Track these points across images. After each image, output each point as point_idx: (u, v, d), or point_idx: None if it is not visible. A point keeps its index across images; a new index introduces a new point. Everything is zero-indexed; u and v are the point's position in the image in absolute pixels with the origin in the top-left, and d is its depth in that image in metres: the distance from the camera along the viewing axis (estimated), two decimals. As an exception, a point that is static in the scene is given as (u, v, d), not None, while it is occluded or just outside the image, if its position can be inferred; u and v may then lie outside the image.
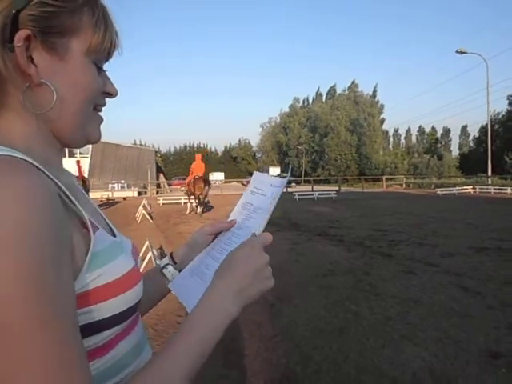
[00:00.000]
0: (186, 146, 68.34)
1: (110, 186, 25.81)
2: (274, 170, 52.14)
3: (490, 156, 25.02)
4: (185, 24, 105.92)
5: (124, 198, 22.80)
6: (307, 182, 35.77)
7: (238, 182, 45.12)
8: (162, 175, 40.34)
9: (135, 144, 42.62)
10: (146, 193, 26.44)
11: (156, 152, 40.53)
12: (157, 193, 27.96)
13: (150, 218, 10.91)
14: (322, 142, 49.62)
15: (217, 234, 0.69)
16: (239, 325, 3.13)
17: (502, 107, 36.56)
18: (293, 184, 34.31)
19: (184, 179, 35.99)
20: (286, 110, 63.18)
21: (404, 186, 30.96)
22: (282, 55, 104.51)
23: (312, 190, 22.06)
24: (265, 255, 0.57)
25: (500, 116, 36.69)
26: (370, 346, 2.73)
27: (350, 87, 54.69)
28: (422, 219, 9.92)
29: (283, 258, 5.56)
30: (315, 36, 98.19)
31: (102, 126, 0.55)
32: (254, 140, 72.97)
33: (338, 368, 2.45)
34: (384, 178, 32.30)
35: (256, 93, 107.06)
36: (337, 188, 26.15)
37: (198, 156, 12.81)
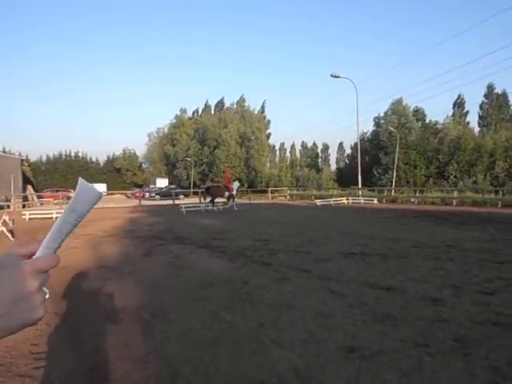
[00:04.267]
0: (61, 155, 61.79)
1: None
2: (162, 182, 50.89)
3: (360, 170, 28.35)
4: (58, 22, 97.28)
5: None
6: (196, 193, 35.67)
7: (122, 194, 42.80)
8: (30, 186, 36.01)
9: (-5, 150, 37.28)
10: (8, 206, 23.34)
11: (23, 160, 36.02)
12: (23, 206, 24.92)
13: (10, 236, 9.64)
14: (212, 154, 50.20)
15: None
16: (108, 348, 2.95)
17: (370, 127, 42.47)
18: (180, 196, 33.84)
19: (58, 191, 32.75)
20: (174, 120, 62.42)
21: (288, 197, 33.09)
22: (171, 64, 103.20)
23: (200, 202, 22.08)
24: (32, 282, 0.48)
25: (368, 134, 41.89)
26: (241, 353, 2.81)
27: (238, 102, 56.55)
28: (301, 228, 10.70)
29: (162, 273, 5.44)
30: (206, 48, 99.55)
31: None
32: (141, 150, 69.97)
33: (207, 379, 2.47)
34: (269, 189, 34.14)
35: (143, 101, 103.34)
36: (225, 200, 26.60)
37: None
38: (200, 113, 63.24)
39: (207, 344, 2.98)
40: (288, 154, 70.33)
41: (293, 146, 69.75)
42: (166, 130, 63.31)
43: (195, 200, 26.48)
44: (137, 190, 44.85)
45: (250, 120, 51.73)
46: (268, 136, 54.99)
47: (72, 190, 34.68)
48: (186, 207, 18.50)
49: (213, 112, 60.93)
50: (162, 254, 6.97)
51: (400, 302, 3.94)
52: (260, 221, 13.42)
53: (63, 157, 61.70)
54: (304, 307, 3.83)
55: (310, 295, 4.24)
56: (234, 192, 20.00)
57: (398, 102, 38.89)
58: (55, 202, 27.94)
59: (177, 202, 25.36)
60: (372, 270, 5.46)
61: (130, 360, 2.75)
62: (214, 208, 19.11)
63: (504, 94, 46.14)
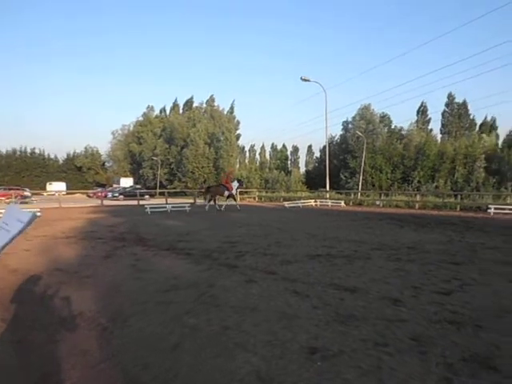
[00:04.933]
0: (15, 151, 58.68)
1: None
2: (127, 181, 49.80)
3: (328, 173, 28.88)
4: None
5: None
6: (162, 194, 35.14)
7: (82, 193, 41.53)
8: (-24, 185, 34.16)
9: None
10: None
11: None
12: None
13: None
14: (180, 153, 49.58)
15: None
16: (61, 356, 2.84)
17: (339, 131, 43.37)
18: (146, 196, 33.21)
19: (11, 189, 31.23)
20: (141, 118, 61.20)
21: (257, 199, 33.19)
22: (137, 60, 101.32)
23: (166, 203, 21.77)
24: None
25: (336, 138, 42.79)
26: (203, 358, 2.79)
27: (207, 101, 56.25)
28: (269, 230, 10.76)
29: (122, 276, 5.32)
30: (175, 46, 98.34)
31: None
32: (104, 148, 67.87)
33: (167, 385, 2.44)
34: (238, 191, 34.05)
35: (107, 97, 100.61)
36: (192, 201, 26.41)
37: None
38: (168, 111, 62.40)
39: (168, 349, 2.93)
40: (258, 155, 70.70)
41: (262, 148, 70.12)
42: (131, 128, 61.89)
43: (161, 201, 26.07)
44: (99, 189, 43.61)
45: (219, 120, 51.55)
46: (237, 137, 54.97)
47: (27, 189, 33.35)
48: (151, 208, 18.18)
49: (181, 111, 60.27)
50: (124, 256, 6.81)
51: (362, 302, 4.04)
52: (228, 222, 13.40)
53: (17, 153, 58.68)
54: (269, 309, 3.85)
55: (275, 297, 4.27)
56: (234, 191, 20.62)
57: (366, 107, 39.95)
58: (7, 200, 26.73)
59: (142, 202, 24.85)
60: (337, 271, 5.56)
61: (83, 368, 2.66)
62: (217, 206, 19.94)
63: (464, 104, 48.34)
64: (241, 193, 34.56)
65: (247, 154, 70.00)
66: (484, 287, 4.68)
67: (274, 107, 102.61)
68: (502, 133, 43.09)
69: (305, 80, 28.53)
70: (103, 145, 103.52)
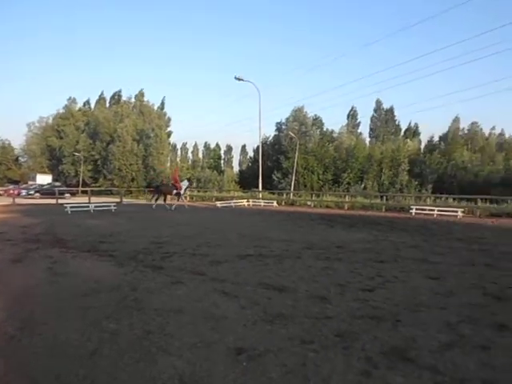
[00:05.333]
0: None
1: None
2: (44, 178, 46.34)
3: (261, 173, 29.35)
4: None
5: None
6: (85, 192, 33.28)
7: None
8: None
9: None
10: None
11: None
12: None
13: None
14: (106, 149, 47.31)
15: None
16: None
17: (273, 131, 44.30)
18: (66, 195, 31.22)
19: None
20: (62, 110, 57.36)
21: (188, 198, 32.71)
22: (59, 47, 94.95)
23: (89, 202, 20.64)
24: None
25: (270, 139, 43.61)
26: (123, 364, 2.67)
27: (136, 96, 54.27)
28: (200, 230, 10.66)
29: (35, 281, 4.93)
30: (105, 36, 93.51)
31: None
32: (18, 141, 62.54)
33: (81, 396, 2.29)
34: (147, 190, 33.43)
35: (22, 86, 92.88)
36: (118, 200, 25.37)
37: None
38: (93, 104, 59.25)
39: (84, 357, 2.76)
40: (190, 154, 69.91)
41: (195, 146, 69.55)
42: (50, 121, 57.77)
43: (84, 199, 24.67)
44: (11, 186, 40.14)
45: (149, 116, 50.11)
46: (169, 134, 53.83)
47: None
48: (72, 207, 17.10)
49: (108, 105, 57.58)
50: (38, 259, 6.32)
51: (291, 301, 4.13)
52: (157, 222, 13.04)
53: None
54: (196, 311, 3.79)
55: (202, 298, 4.22)
56: (182, 191, 20.99)
57: (300, 109, 41.21)
58: None
59: (61, 201, 23.29)
60: (267, 271, 5.64)
61: (-14, 381, 2.43)
62: (166, 206, 19.79)
63: (391, 110, 51.89)
64: (150, 192, 34.02)
65: (179, 152, 68.97)
66: (404, 283, 5.03)
67: (208, 105, 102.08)
68: (424, 138, 46.84)
69: (239, 79, 28.77)
70: (17, 138, 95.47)
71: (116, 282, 4.91)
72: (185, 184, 21.15)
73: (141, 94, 54.00)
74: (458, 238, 10.10)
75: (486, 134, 45.33)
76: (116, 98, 57.48)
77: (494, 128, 46.45)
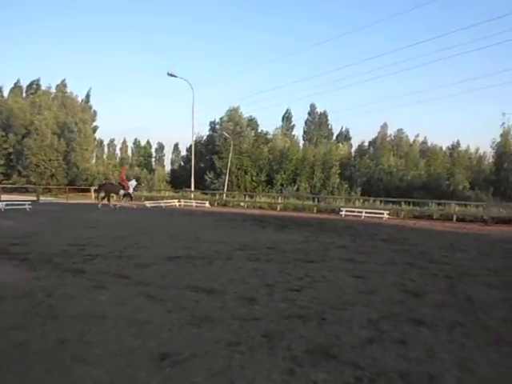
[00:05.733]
0: None
1: None
2: None
3: (193, 173, 29.06)
4: None
5: None
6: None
7: None
8: None
9: None
10: None
11: None
12: None
13: None
14: (21, 143, 43.81)
15: None
16: None
17: (207, 131, 43.82)
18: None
19: None
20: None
21: (115, 197, 31.42)
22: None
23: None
24: None
25: (204, 138, 43.26)
26: (31, 377, 2.49)
27: (58, 86, 50.82)
28: (127, 231, 10.30)
29: None
30: (25, 18, 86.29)
31: None
32: None
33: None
34: (93, 188, 31.93)
35: None
36: (35, 198, 23.72)
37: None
38: (6, 93, 54.54)
39: (-15, 370, 2.55)
40: (118, 151, 67.23)
41: (124, 143, 66.98)
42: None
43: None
44: None
45: (72, 109, 47.27)
46: (94, 129, 51.23)
47: None
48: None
49: (24, 94, 53.38)
50: None
51: (219, 303, 4.14)
52: (79, 222, 12.38)
53: None
54: (118, 316, 3.66)
55: (126, 303, 4.08)
56: (131, 191, 20.69)
57: (235, 109, 41.33)
58: None
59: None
60: (196, 273, 5.60)
61: None
62: (111, 205, 19.70)
63: (324, 114, 54.04)
64: (95, 191, 32.48)
65: (106, 149, 66.07)
66: (331, 283, 5.27)
67: (140, 101, 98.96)
68: (355, 143, 49.34)
69: (171, 75, 28.28)
70: None
71: (28, 287, 4.57)
72: (133, 184, 20.97)
73: (63, 85, 50.58)
74: (382, 238, 10.77)
75: (411, 141, 48.97)
76: (34, 87, 53.42)
77: (418, 135, 50.16)
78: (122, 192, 20.33)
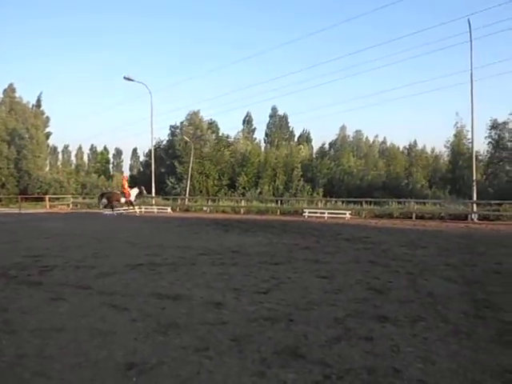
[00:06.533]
0: None
1: None
2: None
3: (153, 178, 28.62)
4: None
5: None
6: None
7: None
8: None
9: None
10: None
11: None
12: None
13: None
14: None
15: None
16: None
17: (166, 135, 43.01)
18: None
19: None
20: None
21: (71, 206, 30.42)
22: None
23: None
24: None
25: (163, 143, 42.66)
26: (-11, 396, 2.38)
27: (5, 91, 48.36)
28: (85, 240, 9.99)
29: None
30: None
31: None
32: None
33: None
34: (48, 197, 30.82)
35: None
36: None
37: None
38: None
39: None
40: (73, 157, 65.19)
41: (79, 149, 65.01)
42: None
43: None
44: None
45: (22, 114, 45.20)
46: (47, 135, 49.27)
47: None
48: None
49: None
50: None
51: (185, 309, 4.11)
52: (33, 233, 11.89)
53: None
54: (79, 328, 3.55)
55: (88, 314, 3.96)
56: (132, 198, 21.70)
57: (195, 113, 41.06)
58: None
59: None
60: (160, 280, 5.53)
61: None
62: (114, 212, 20.85)
63: (285, 116, 54.74)
64: (51, 199, 31.38)
65: (60, 156, 63.91)
66: (297, 284, 5.35)
67: (96, 107, 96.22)
68: (316, 145, 50.24)
69: (128, 79, 27.76)
70: None
71: (-20, 303, 4.35)
72: (134, 192, 21.76)
73: (11, 89, 48.09)
74: (345, 238, 11.03)
75: (371, 142, 50.59)
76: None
77: (377, 136, 51.97)
78: (123, 200, 21.34)
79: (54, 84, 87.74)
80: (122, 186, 22.28)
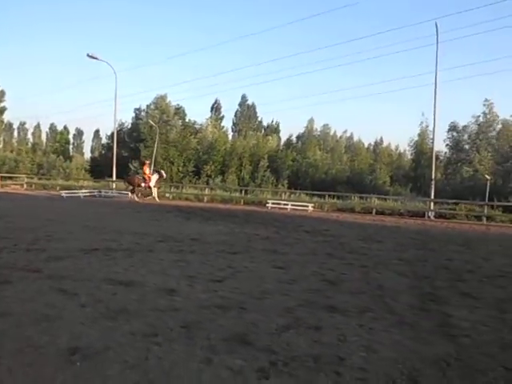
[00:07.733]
0: None
1: None
2: None
3: (115, 162, 27.93)
4: None
5: None
6: None
7: None
8: None
9: None
10: None
11: None
12: None
13: None
14: None
15: None
16: None
17: (130, 118, 41.78)
18: None
19: None
20: None
21: (25, 186, 29.28)
22: None
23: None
24: None
25: (127, 125, 41.59)
26: None
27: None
28: (38, 222, 9.66)
29: None
30: None
31: None
32: None
33: None
34: (0, 176, 29.62)
35: None
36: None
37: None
38: None
39: None
40: (30, 135, 62.53)
41: (37, 127, 62.38)
42: None
43: None
44: None
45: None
46: (2, 110, 47.02)
47: None
48: None
49: None
50: None
51: (137, 295, 4.08)
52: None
53: None
54: (24, 313, 3.45)
55: (35, 298, 3.86)
56: (152, 184, 21.81)
57: (162, 97, 40.14)
58: None
59: None
60: (114, 265, 5.45)
61: None
62: (135, 197, 21.21)
63: (253, 106, 54.63)
64: (3, 178, 30.15)
65: (15, 133, 61.17)
66: (253, 273, 5.42)
67: (57, 83, 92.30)
68: (284, 136, 50.46)
69: (92, 57, 26.79)
70: None
71: None
72: (154, 177, 21.88)
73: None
74: (306, 230, 11.23)
75: (338, 137, 51.34)
76: None
77: (346, 131, 52.80)
78: (143, 185, 21.58)
79: (12, 56, 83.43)
80: (143, 172, 22.33)
